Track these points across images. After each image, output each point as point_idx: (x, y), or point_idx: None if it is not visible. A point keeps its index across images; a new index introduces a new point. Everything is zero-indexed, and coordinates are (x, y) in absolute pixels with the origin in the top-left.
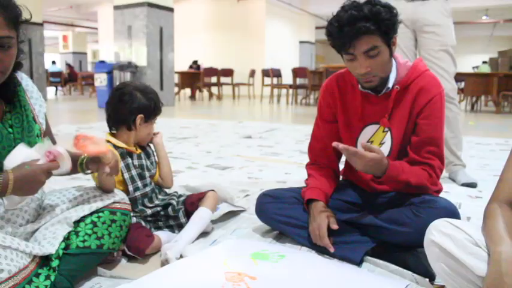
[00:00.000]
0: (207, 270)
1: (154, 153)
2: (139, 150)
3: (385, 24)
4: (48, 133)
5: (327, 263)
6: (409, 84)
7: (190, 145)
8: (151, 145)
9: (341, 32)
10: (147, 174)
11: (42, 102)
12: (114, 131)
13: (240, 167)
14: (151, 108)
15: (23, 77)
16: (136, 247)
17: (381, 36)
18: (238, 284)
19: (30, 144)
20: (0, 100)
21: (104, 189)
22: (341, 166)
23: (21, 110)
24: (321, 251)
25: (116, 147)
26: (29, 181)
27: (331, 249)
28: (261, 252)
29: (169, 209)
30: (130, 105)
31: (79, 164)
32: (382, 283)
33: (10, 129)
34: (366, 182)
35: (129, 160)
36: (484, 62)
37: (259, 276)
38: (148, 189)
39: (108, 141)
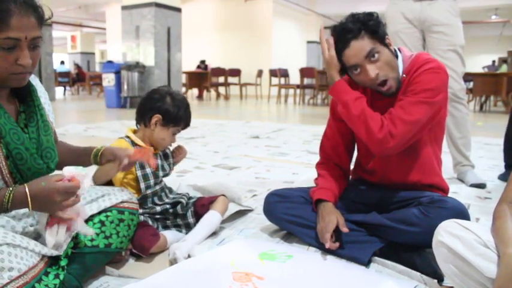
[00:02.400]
0: (215, 270)
1: (172, 156)
2: (157, 150)
3: (369, 25)
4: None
5: (335, 263)
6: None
7: (198, 145)
8: (170, 147)
9: (337, 42)
10: (160, 173)
11: (49, 101)
12: (137, 127)
13: (248, 167)
14: (172, 115)
15: (31, 77)
16: (141, 245)
17: (372, 38)
18: (246, 284)
19: (49, 142)
20: (15, 99)
21: (98, 181)
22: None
23: (35, 109)
24: (329, 250)
25: (133, 144)
26: (44, 199)
27: (327, 245)
28: (268, 252)
29: (179, 207)
30: (154, 103)
31: (93, 155)
32: (389, 284)
33: (25, 129)
34: (376, 176)
35: None
36: (504, 61)
37: (267, 277)
38: (158, 187)
39: (128, 137)
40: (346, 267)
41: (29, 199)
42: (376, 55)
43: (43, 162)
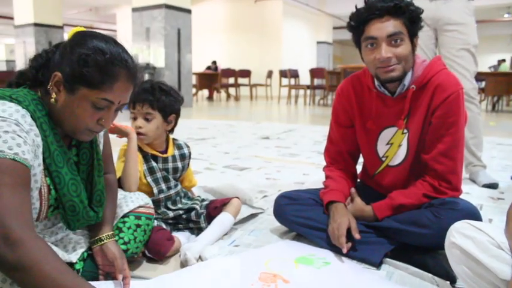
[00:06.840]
0: (245, 269)
1: (190, 156)
2: (169, 153)
3: (411, 12)
4: (106, 157)
5: (371, 276)
6: (426, 83)
7: (208, 146)
8: (189, 146)
9: (370, 8)
10: (171, 177)
11: None
12: None
13: (258, 167)
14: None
15: None
16: (158, 250)
17: (406, 26)
18: (269, 285)
19: (100, 184)
20: None
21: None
22: (358, 168)
23: (88, 145)
24: (339, 252)
25: (140, 150)
26: None
27: (344, 250)
28: (307, 256)
29: (193, 213)
30: None
31: (92, 241)
32: None
33: (74, 167)
34: (383, 188)
35: (153, 164)
36: (503, 60)
37: (293, 280)
38: (172, 192)
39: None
40: (382, 282)
41: None
42: (399, 41)
43: (94, 213)
